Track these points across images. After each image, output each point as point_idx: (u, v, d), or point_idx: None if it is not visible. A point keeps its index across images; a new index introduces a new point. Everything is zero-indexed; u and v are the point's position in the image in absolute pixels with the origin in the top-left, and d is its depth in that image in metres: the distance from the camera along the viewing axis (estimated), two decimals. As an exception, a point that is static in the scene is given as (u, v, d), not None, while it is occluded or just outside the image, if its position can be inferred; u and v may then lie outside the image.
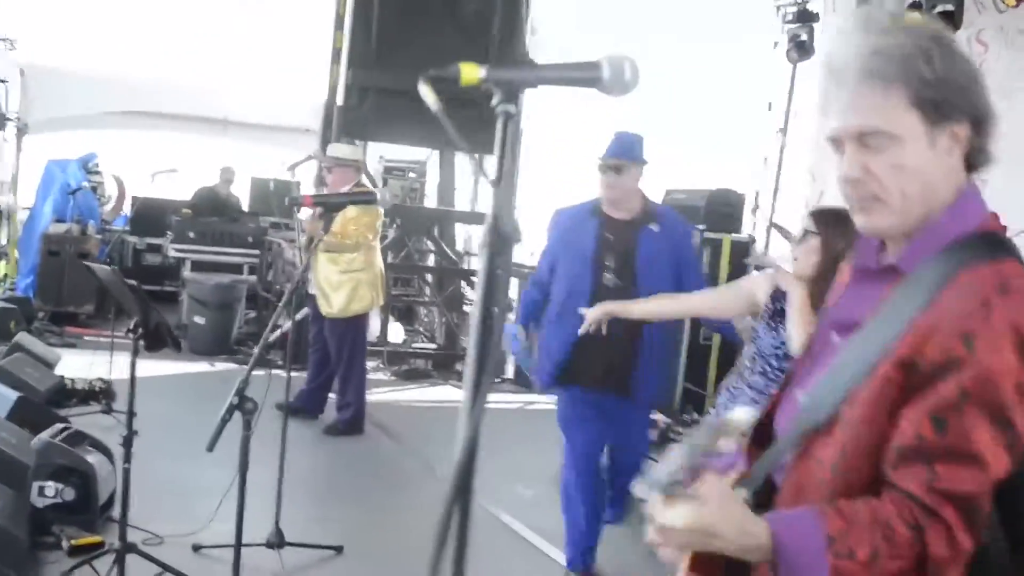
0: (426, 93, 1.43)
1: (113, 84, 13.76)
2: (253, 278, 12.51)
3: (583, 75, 1.48)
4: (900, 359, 1.68)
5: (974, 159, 1.81)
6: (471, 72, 1.42)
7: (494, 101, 1.39)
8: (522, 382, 11.57)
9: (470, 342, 1.12)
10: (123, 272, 13.07)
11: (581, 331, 4.78)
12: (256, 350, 4.03)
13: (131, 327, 4.60)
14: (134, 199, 14.68)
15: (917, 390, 1.66)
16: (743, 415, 1.68)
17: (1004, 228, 1.83)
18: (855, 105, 1.74)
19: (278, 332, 11.05)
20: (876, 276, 1.84)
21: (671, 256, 5.30)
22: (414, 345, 12.61)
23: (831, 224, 3.99)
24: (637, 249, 5.25)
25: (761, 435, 2.00)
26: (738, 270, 8.35)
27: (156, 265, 13.77)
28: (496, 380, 11.69)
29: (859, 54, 1.73)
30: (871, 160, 1.74)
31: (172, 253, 12.64)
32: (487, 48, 11.67)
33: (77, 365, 8.72)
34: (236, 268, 12.59)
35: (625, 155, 5.26)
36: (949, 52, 1.74)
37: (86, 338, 11.06)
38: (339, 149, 8.34)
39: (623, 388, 5.30)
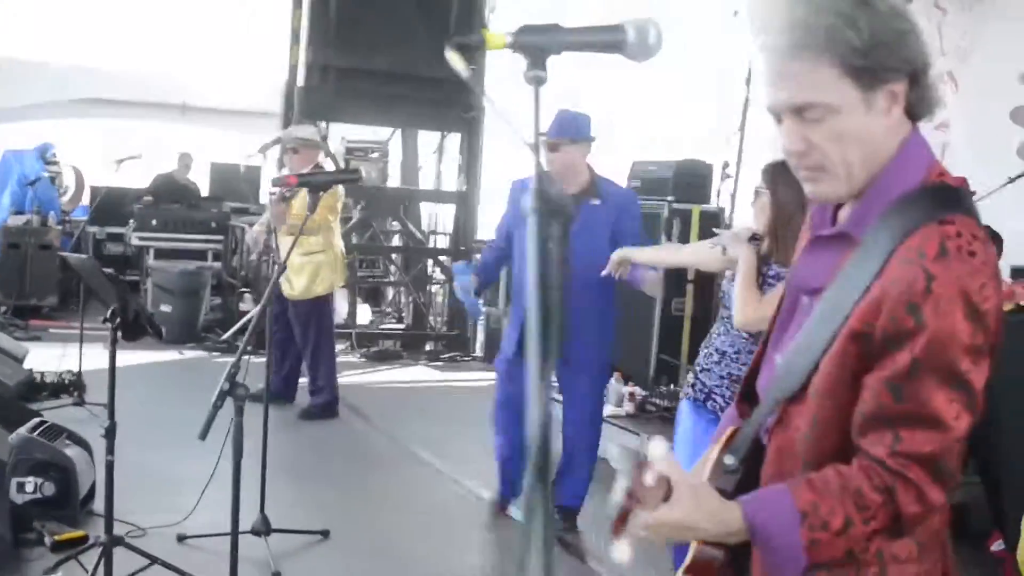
0: (453, 60, 1.39)
1: (68, 72, 13.61)
2: (217, 264, 12.40)
3: (608, 39, 1.45)
4: (853, 331, 1.72)
5: (916, 109, 1.80)
6: (496, 39, 1.39)
7: (524, 68, 1.35)
8: (491, 358, 11.55)
9: (530, 319, 1.07)
10: (85, 262, 12.89)
11: (603, 273, 4.96)
12: (248, 329, 3.95)
13: (107, 316, 4.52)
14: (92, 188, 14.52)
15: (875, 359, 1.71)
16: (657, 450, 1.71)
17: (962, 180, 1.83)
18: (787, 80, 1.72)
19: (247, 317, 11.00)
20: (831, 241, 1.85)
21: (609, 230, 5.49)
22: (382, 326, 12.56)
23: (778, 178, 3.99)
24: (573, 222, 5.41)
25: (749, 394, 2.05)
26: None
27: (117, 254, 13.58)
28: (464, 358, 11.69)
29: (784, 28, 1.70)
30: (811, 132, 1.74)
31: (135, 241, 12.49)
32: (446, 25, 11.60)
33: (44, 358, 8.60)
34: (200, 255, 12.47)
35: (561, 133, 5.50)
36: (875, 11, 1.70)
37: (51, 330, 10.95)
38: (302, 130, 8.27)
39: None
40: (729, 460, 1.88)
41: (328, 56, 11.06)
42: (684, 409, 4.38)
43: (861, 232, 1.77)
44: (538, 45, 1.39)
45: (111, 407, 4.51)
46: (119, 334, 4.53)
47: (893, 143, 1.77)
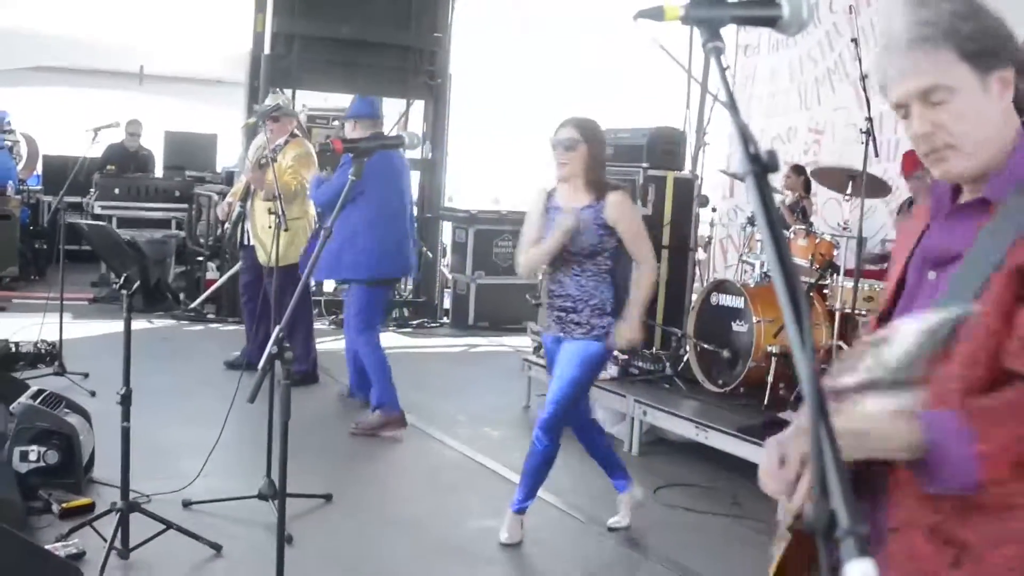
0: (645, 29, 1.46)
1: (21, 39, 13.36)
2: (181, 233, 12.33)
3: (765, 13, 1.52)
4: (1016, 268, 1.87)
5: (1021, 102, 2.00)
6: (672, 11, 1.46)
7: (702, 40, 1.42)
8: (458, 324, 11.65)
9: (776, 279, 1.14)
10: (41, 232, 12.76)
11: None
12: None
13: (121, 284, 4.53)
14: (45, 157, 14.37)
15: None
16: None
17: None
18: (913, 70, 1.92)
19: (216, 285, 10.97)
20: (963, 213, 2.02)
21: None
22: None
23: (593, 133, 5.04)
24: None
25: None
26: (682, 206, 8.46)
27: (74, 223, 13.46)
28: (432, 324, 11.76)
29: (907, 27, 1.91)
30: (937, 114, 1.93)
31: (98, 210, 12.38)
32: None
33: (13, 328, 8.54)
34: (163, 223, 12.40)
35: (348, 115, 7.41)
36: (985, 14, 1.93)
37: (15, 301, 10.86)
38: (281, 99, 8.31)
39: None
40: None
41: (293, 24, 11.04)
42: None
43: (999, 199, 1.95)
44: (706, 18, 1.46)
45: (126, 374, 4.53)
46: (132, 301, 4.52)
47: (1012, 127, 1.98)
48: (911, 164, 7.63)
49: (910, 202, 7.97)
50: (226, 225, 8.77)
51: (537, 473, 5.25)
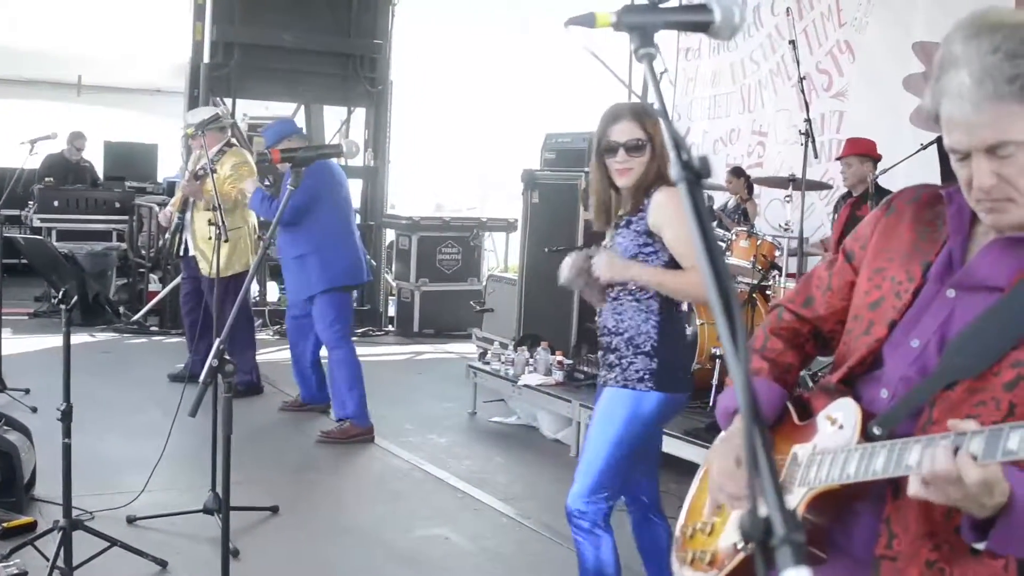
0: (575, 36, 1.46)
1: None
2: (123, 245, 12.21)
3: (697, 19, 1.51)
4: None
5: None
6: (603, 18, 1.46)
7: (634, 45, 1.42)
8: (403, 332, 11.63)
9: (709, 285, 1.13)
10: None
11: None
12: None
13: (60, 298, 4.47)
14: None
15: None
16: None
17: None
18: (984, 124, 1.84)
19: (158, 298, 10.87)
20: (1012, 246, 1.97)
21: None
22: (293, 303, 12.50)
23: (653, 122, 3.77)
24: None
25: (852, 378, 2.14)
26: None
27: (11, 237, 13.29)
28: (376, 332, 11.72)
29: (981, 80, 1.81)
30: (1002, 167, 1.86)
31: (37, 223, 12.23)
32: (349, 0, 11.61)
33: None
34: (104, 235, 12.27)
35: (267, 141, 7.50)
36: None
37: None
38: (218, 109, 8.28)
39: None
40: (878, 431, 1.97)
41: (232, 33, 10.98)
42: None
43: None
44: (639, 24, 1.45)
45: (66, 389, 4.45)
46: (71, 316, 4.46)
47: None
48: (847, 151, 7.84)
49: (847, 195, 8.08)
50: (166, 235, 8.69)
51: None
